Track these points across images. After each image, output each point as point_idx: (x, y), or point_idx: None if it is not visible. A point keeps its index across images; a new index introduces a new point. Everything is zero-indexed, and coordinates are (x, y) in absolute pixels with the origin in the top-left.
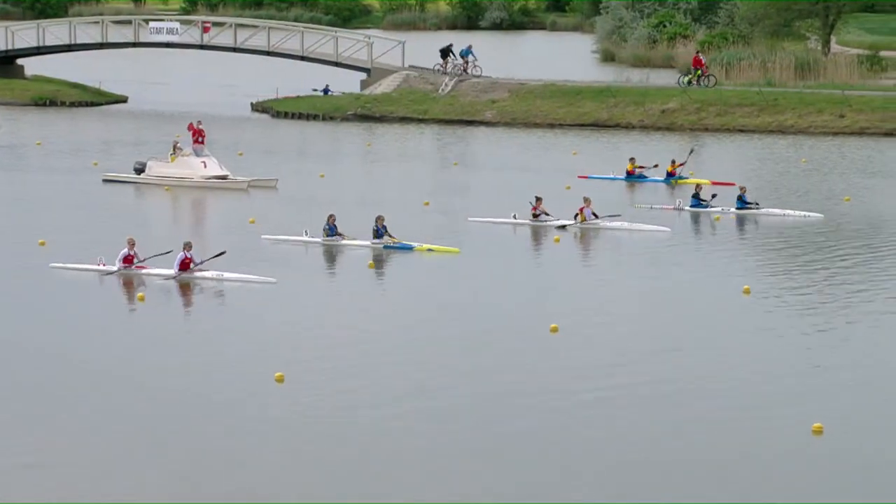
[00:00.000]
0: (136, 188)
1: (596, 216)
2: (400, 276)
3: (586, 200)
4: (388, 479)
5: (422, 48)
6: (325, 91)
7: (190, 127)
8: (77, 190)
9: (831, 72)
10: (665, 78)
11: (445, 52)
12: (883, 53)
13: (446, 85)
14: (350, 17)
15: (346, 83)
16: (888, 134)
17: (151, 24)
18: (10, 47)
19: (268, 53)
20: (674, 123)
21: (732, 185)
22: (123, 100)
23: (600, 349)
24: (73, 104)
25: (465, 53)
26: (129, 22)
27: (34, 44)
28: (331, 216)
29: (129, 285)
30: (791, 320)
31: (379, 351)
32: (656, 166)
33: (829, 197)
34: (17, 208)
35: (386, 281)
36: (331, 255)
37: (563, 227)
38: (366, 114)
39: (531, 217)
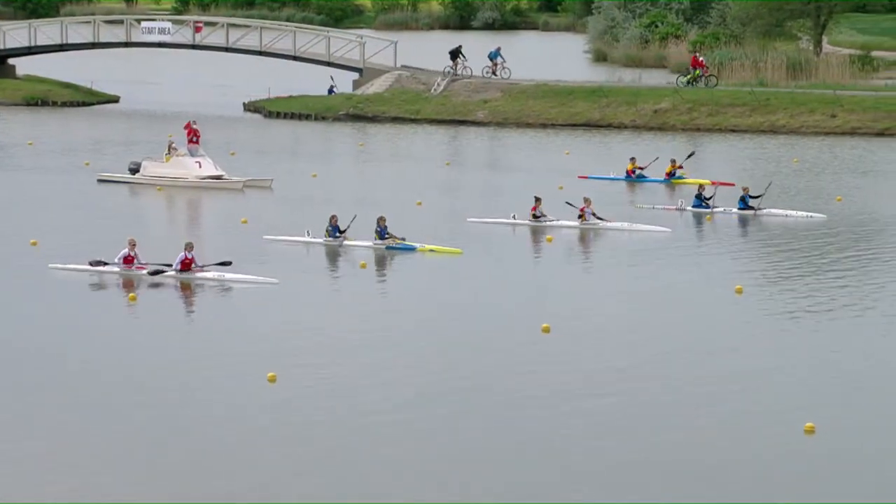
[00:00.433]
0: (131, 188)
1: (596, 216)
2: (403, 277)
3: (586, 201)
4: (388, 479)
5: (414, 48)
6: (330, 91)
7: (187, 126)
8: (72, 190)
9: (823, 72)
10: (657, 78)
11: (455, 54)
12: (874, 53)
13: (438, 85)
14: (342, 17)
15: (338, 83)
16: (879, 134)
17: (143, 23)
18: (1, 47)
19: (260, 53)
20: (666, 123)
21: (732, 185)
22: (115, 100)
23: (600, 349)
24: (64, 104)
25: (494, 56)
26: (121, 22)
27: (26, 43)
28: (333, 217)
29: (129, 286)
30: (784, 320)
31: (380, 351)
32: (657, 159)
33: (821, 196)
34: (11, 209)
35: (389, 282)
36: (333, 256)
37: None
38: (358, 114)
39: (530, 217)
